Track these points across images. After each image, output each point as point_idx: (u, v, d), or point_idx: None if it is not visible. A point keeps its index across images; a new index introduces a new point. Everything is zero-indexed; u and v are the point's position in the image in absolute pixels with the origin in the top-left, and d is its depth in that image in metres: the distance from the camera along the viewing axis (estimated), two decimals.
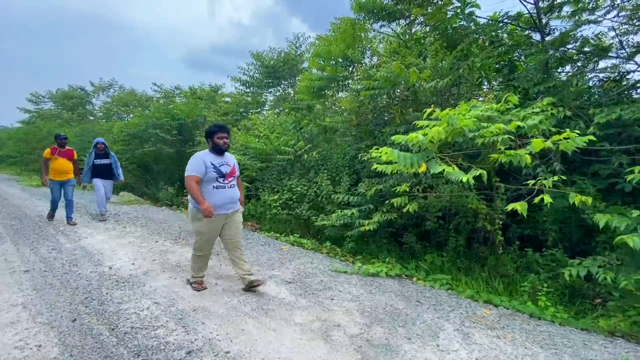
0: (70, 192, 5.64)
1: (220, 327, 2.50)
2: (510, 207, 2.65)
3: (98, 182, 5.98)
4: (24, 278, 3.33)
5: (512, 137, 2.92)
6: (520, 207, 2.56)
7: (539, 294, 3.05)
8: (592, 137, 2.59)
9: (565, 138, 2.61)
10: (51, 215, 5.84)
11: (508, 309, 2.96)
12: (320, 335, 2.42)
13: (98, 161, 5.99)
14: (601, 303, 2.98)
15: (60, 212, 5.97)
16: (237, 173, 3.13)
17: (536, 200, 2.61)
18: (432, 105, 3.30)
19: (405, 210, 3.66)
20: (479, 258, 3.99)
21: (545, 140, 2.63)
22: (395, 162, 3.00)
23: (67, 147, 5.69)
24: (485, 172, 2.70)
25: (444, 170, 2.72)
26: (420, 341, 2.40)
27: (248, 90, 10.23)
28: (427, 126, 3.02)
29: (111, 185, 6.28)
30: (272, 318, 2.65)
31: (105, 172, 6.07)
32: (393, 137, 3.13)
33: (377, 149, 3.26)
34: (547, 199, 2.52)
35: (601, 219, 2.60)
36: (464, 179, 2.63)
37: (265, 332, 2.44)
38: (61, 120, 19.32)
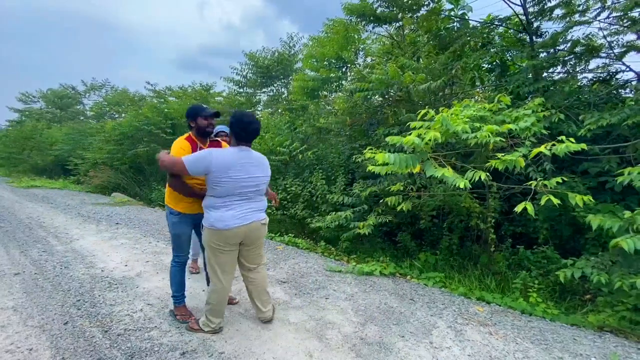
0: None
1: None
2: (519, 207, 2.56)
3: None
4: (15, 281, 3.29)
5: (504, 139, 2.94)
6: (529, 207, 2.50)
7: (530, 290, 3.10)
8: (584, 146, 2.54)
9: (560, 141, 2.61)
10: (181, 303, 2.65)
11: (500, 305, 3.00)
12: (315, 335, 2.43)
13: None
14: (591, 299, 3.04)
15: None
16: None
17: (542, 202, 2.54)
18: (426, 107, 3.33)
19: (399, 209, 3.68)
20: (471, 256, 4.04)
21: (540, 146, 2.64)
22: (389, 164, 3.00)
23: (210, 140, 2.62)
24: (484, 174, 2.70)
25: (442, 173, 2.70)
26: (414, 338, 2.42)
27: (241, 90, 10.19)
28: (421, 127, 3.04)
29: None
30: None
31: None
32: (388, 139, 3.13)
33: (372, 149, 3.27)
34: (555, 200, 2.47)
35: (594, 221, 2.61)
36: (461, 185, 2.59)
37: (259, 332, 2.44)
38: (48, 120, 19.09)
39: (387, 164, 3.04)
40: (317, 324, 2.58)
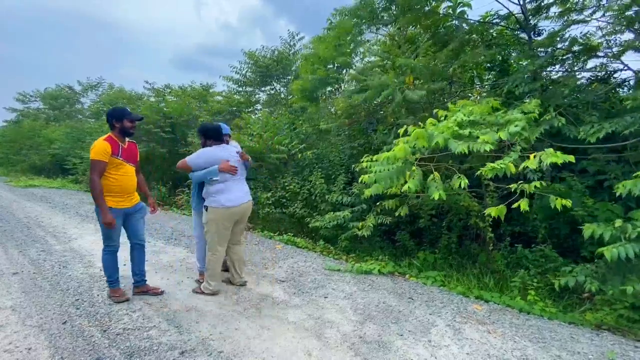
0: (142, 229, 3.01)
1: (213, 326, 2.50)
2: (487, 211, 2.65)
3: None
4: (13, 281, 3.28)
5: (493, 146, 2.92)
6: (498, 211, 2.57)
7: (529, 289, 3.11)
8: (571, 158, 2.53)
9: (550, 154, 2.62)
10: (115, 286, 2.90)
11: (498, 304, 3.01)
12: (314, 333, 2.43)
13: None
14: (589, 297, 3.05)
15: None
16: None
17: (514, 205, 2.58)
18: (424, 105, 3.32)
19: (397, 214, 3.67)
20: (470, 255, 4.05)
21: (532, 150, 2.65)
22: (372, 184, 3.06)
23: (129, 140, 2.89)
24: (465, 179, 2.71)
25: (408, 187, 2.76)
26: (413, 337, 2.43)
27: (241, 89, 10.19)
28: (407, 140, 2.99)
29: None
30: (266, 317, 2.66)
31: None
32: (375, 157, 3.17)
33: (369, 156, 3.26)
34: (524, 206, 2.49)
35: (587, 230, 2.64)
36: (436, 197, 2.72)
37: (258, 331, 2.45)
38: (44, 120, 19.04)
39: (375, 182, 3.08)
40: (316, 323, 2.58)
